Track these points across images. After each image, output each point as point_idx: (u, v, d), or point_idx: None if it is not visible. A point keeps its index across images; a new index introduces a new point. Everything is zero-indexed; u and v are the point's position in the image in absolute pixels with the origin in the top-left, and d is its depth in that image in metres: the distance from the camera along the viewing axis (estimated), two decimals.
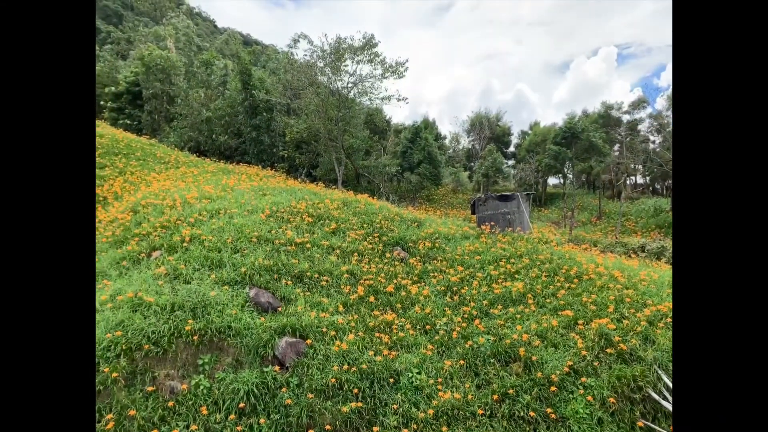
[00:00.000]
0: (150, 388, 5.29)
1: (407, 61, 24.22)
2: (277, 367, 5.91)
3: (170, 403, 5.19)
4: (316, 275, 8.04)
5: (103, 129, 19.72)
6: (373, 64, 23.96)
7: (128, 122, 29.89)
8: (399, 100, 25.23)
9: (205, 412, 5.18)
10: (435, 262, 9.51)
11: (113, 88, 31.55)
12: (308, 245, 8.99)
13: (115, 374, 5.23)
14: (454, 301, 8.01)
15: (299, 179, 20.51)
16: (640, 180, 43.54)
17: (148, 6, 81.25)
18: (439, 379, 6.01)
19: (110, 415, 4.88)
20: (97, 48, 52.09)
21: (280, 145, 27.37)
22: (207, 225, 9.11)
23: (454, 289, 8.41)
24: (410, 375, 6.02)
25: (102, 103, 31.89)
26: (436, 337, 6.88)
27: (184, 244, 8.25)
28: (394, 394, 5.79)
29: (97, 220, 10.80)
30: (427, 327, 7.20)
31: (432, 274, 8.98)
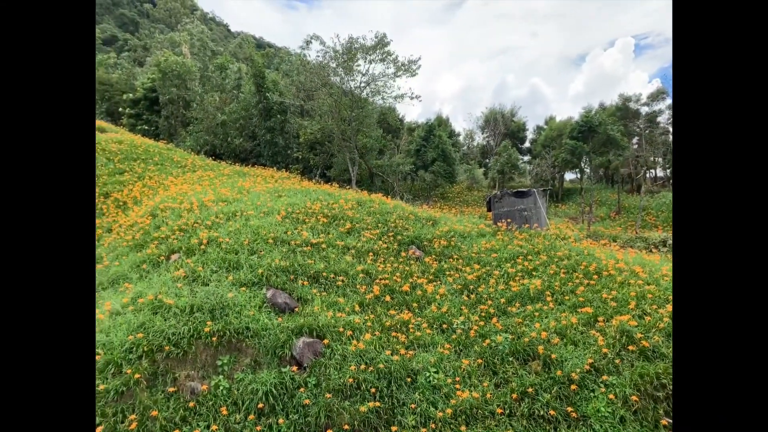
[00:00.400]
0: (171, 389, 5.38)
1: (420, 59, 24.12)
2: (294, 368, 5.94)
3: (191, 404, 5.27)
4: (332, 275, 8.07)
5: (121, 135, 20.13)
6: (385, 63, 23.93)
7: (146, 128, 30.45)
8: (412, 98, 25.14)
9: (225, 412, 5.24)
10: (451, 260, 9.46)
11: (131, 95, 32.17)
12: (324, 246, 9.03)
13: (137, 375, 5.33)
14: (471, 300, 7.95)
15: (313, 180, 20.61)
16: (660, 173, 42.65)
17: (164, 13, 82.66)
18: (457, 378, 5.98)
19: (133, 416, 4.98)
20: (114, 56, 53.23)
21: (294, 146, 27.56)
22: (224, 227, 9.22)
23: (471, 287, 8.35)
24: (428, 374, 6.00)
25: (120, 109, 32.56)
26: (453, 336, 6.84)
27: (202, 247, 8.36)
28: (411, 393, 5.78)
29: (117, 225, 11.03)
30: (444, 326, 7.17)
31: (448, 273, 8.93)
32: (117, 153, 16.52)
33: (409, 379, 5.92)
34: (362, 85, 24.70)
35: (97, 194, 13.20)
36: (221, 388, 5.51)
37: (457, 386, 5.88)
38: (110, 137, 18.43)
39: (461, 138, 50.50)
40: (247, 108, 28.23)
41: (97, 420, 4.94)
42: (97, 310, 6.65)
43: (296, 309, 6.98)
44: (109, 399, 5.13)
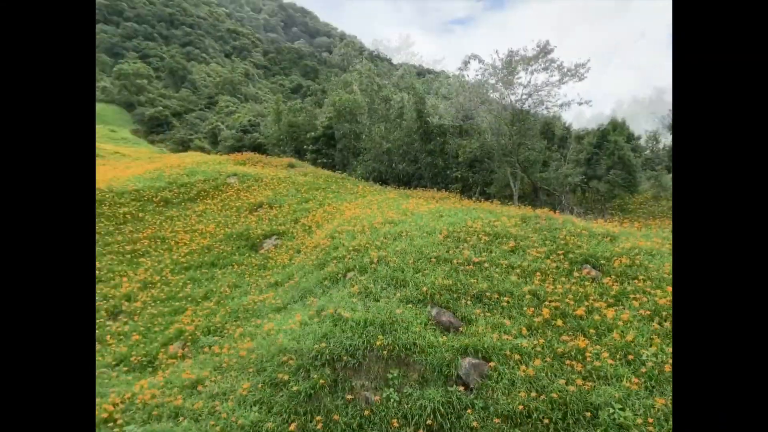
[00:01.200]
0: (349, 397, 5.89)
1: (588, 61, 22.17)
2: (461, 387, 5.92)
3: (366, 412, 5.68)
4: (496, 295, 7.86)
5: (306, 168, 23.31)
6: (549, 71, 22.69)
7: (325, 160, 34.67)
8: (580, 104, 23.19)
9: (395, 424, 5.50)
10: (636, 282, 8.28)
11: (313, 133, 37.13)
12: (486, 264, 8.87)
13: (322, 381, 6.01)
14: (664, 328, 6.80)
15: (473, 198, 20.52)
16: None
17: (338, 59, 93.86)
18: (650, 420, 5.14)
19: (319, 417, 5.60)
20: (299, 101, 62.26)
21: (453, 166, 27.96)
22: (391, 247, 9.84)
23: (664, 314, 7.15)
24: (611, 411, 5.31)
25: (305, 147, 37.80)
26: (643, 370, 5.94)
27: (373, 266, 9.05)
28: (592, 429, 5.19)
29: (304, 246, 12.71)
30: (630, 357, 6.27)
31: (632, 296, 7.83)
32: (303, 184, 19.18)
33: (588, 414, 5.33)
34: (523, 97, 23.81)
35: (288, 220, 15.49)
36: (392, 400, 5.81)
37: (650, 428, 5.06)
38: (298, 171, 21.53)
39: (643, 141, 44.28)
40: (409, 134, 29.84)
41: (291, 417, 5.71)
42: (289, 320, 7.75)
43: (461, 328, 6.98)
44: (300, 399, 5.88)
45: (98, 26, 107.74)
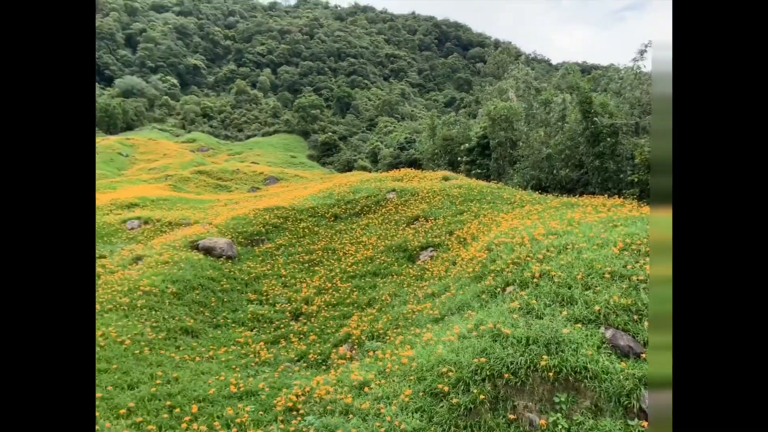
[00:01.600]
0: (511, 416, 5.61)
1: None
2: (644, 423, 5.12)
3: None
4: None
5: (460, 180, 23.37)
6: None
7: (479, 171, 34.26)
8: None
9: None
10: None
11: (466, 145, 37.11)
12: None
13: (482, 397, 5.86)
14: None
15: None
16: None
17: (492, 67, 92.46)
18: None
19: None
20: (453, 114, 62.91)
21: (627, 169, 24.75)
22: (555, 260, 9.14)
23: None
24: None
25: (459, 158, 37.95)
26: None
27: (535, 280, 8.53)
28: None
29: (460, 258, 12.68)
30: None
31: None
32: (457, 196, 19.25)
33: None
34: None
35: (443, 232, 15.69)
36: (560, 426, 5.34)
37: None
38: (452, 184, 21.72)
39: None
40: (572, 137, 27.55)
41: (451, 429, 5.68)
42: (447, 332, 7.77)
43: (643, 354, 6.06)
44: (461, 412, 5.82)
45: (282, 68, 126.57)
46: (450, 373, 6.36)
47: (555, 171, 27.75)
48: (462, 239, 14.66)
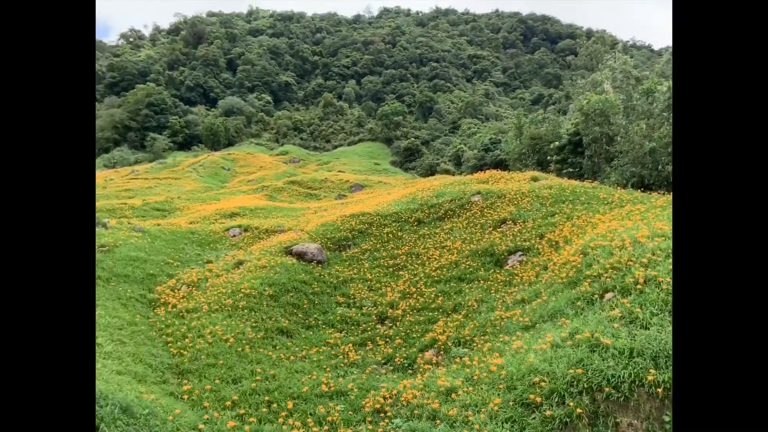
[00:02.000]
0: None
1: None
2: None
3: None
4: None
5: (550, 181, 22.15)
6: None
7: (571, 170, 32.21)
8: None
9: None
10: None
11: (556, 143, 35.12)
12: None
13: (579, 410, 5.46)
14: None
15: None
16: None
17: (585, 59, 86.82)
18: None
19: None
20: (542, 111, 59.98)
21: None
22: (663, 265, 8.26)
23: None
24: None
25: (548, 158, 36.05)
26: None
27: (638, 287, 7.78)
28: None
29: (551, 263, 11.99)
30: None
31: None
32: (548, 197, 18.26)
33: None
34: None
35: (533, 235, 14.96)
36: None
37: None
38: (542, 184, 20.66)
39: None
40: None
41: None
42: (539, 340, 7.37)
43: None
44: (554, 425, 5.48)
45: (365, 78, 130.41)
46: (543, 384, 6.02)
47: (660, 167, 25.17)
48: (554, 243, 13.87)
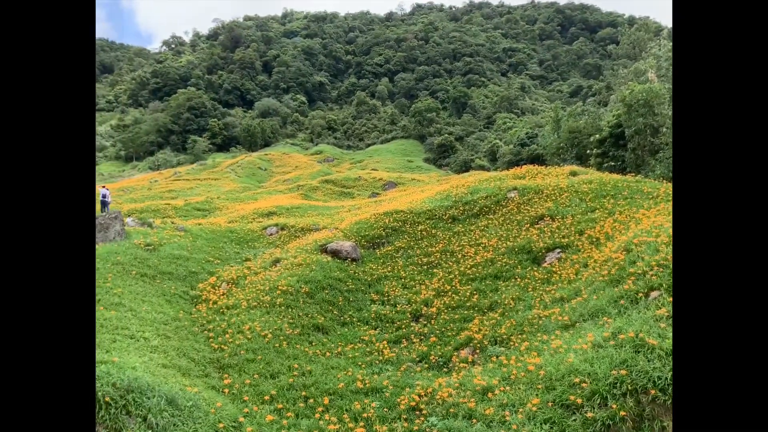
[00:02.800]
0: None
1: None
2: None
3: None
4: None
5: (590, 175, 21.39)
6: None
7: (612, 164, 30.99)
8: None
9: None
10: None
11: (597, 136, 33.88)
12: None
13: (623, 413, 5.25)
14: None
15: None
16: None
17: (627, 47, 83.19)
18: None
19: None
20: (580, 104, 58.01)
21: None
22: None
23: None
24: None
25: (588, 151, 34.84)
26: None
27: None
28: None
29: (592, 260, 11.59)
30: None
31: None
32: (587, 192, 17.64)
33: None
34: None
35: (572, 232, 14.48)
36: None
37: None
38: (581, 179, 19.98)
39: None
40: None
41: None
42: (579, 340, 7.14)
43: None
44: (596, 428, 5.29)
45: (398, 75, 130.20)
46: (584, 385, 5.83)
47: None
48: (594, 239, 13.39)
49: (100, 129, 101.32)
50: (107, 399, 5.45)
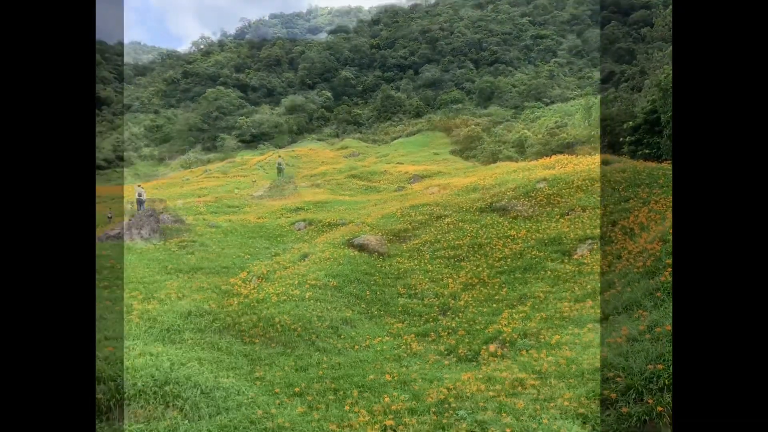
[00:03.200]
0: None
1: None
2: None
3: None
4: None
5: (623, 164, 20.67)
6: None
7: (647, 151, 29.91)
8: None
9: None
10: None
11: (630, 123, 32.71)
12: None
13: (659, 408, 5.08)
14: None
15: None
16: None
17: (662, 29, 79.64)
18: None
19: None
20: (613, 90, 56.00)
21: None
22: None
23: None
24: None
25: (620, 139, 33.69)
26: None
27: None
28: None
29: (625, 251, 11.23)
30: None
31: None
32: (621, 182, 17.08)
33: None
34: None
35: (604, 222, 14.07)
36: None
37: None
38: (614, 168, 19.34)
39: None
40: None
41: None
42: (613, 333, 6.94)
43: None
44: (632, 423, 5.15)
45: (423, 67, 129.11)
46: (618, 379, 5.67)
47: None
48: (628, 230, 12.98)
49: (135, 130, 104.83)
50: (146, 390, 5.67)
